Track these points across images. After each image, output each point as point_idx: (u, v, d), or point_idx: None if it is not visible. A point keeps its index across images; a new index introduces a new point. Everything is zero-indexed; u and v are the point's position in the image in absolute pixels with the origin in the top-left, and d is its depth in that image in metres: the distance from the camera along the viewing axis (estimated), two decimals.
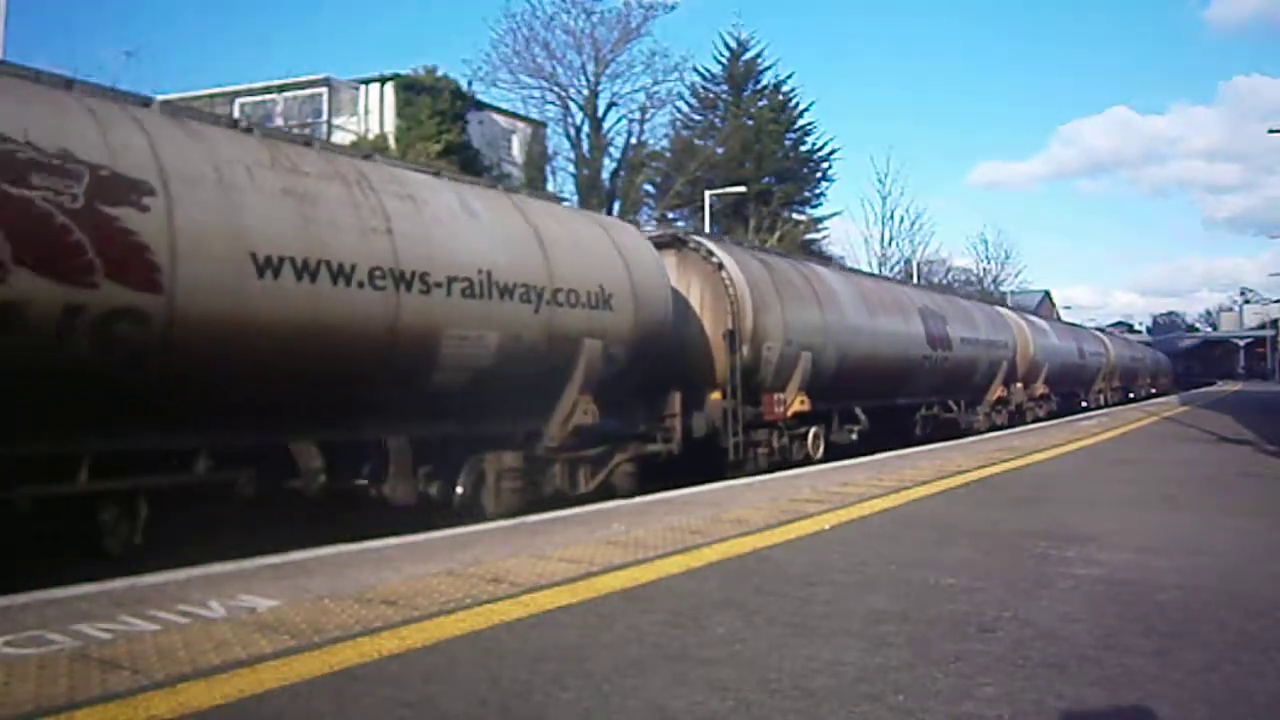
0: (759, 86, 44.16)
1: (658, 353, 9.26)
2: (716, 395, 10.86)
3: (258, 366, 5.85)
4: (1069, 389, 26.26)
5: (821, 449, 12.36)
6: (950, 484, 8.71)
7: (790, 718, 2.78)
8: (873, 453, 12.28)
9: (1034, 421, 21.01)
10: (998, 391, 19.74)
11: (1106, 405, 29.44)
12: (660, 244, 10.70)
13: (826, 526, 6.21)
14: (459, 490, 7.56)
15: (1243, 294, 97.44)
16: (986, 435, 16.58)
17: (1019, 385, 20.96)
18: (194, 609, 3.89)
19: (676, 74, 38.02)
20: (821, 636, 3.60)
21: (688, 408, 10.42)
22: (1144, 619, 3.90)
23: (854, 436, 13.44)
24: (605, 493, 8.57)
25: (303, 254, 5.98)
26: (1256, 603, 4.19)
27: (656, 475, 9.34)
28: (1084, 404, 27.85)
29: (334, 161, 6.79)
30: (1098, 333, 36.24)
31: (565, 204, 11.39)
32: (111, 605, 3.94)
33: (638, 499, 7.86)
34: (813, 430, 12.27)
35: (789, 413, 11.56)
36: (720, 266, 11.11)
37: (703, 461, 10.29)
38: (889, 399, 15.12)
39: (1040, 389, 22.42)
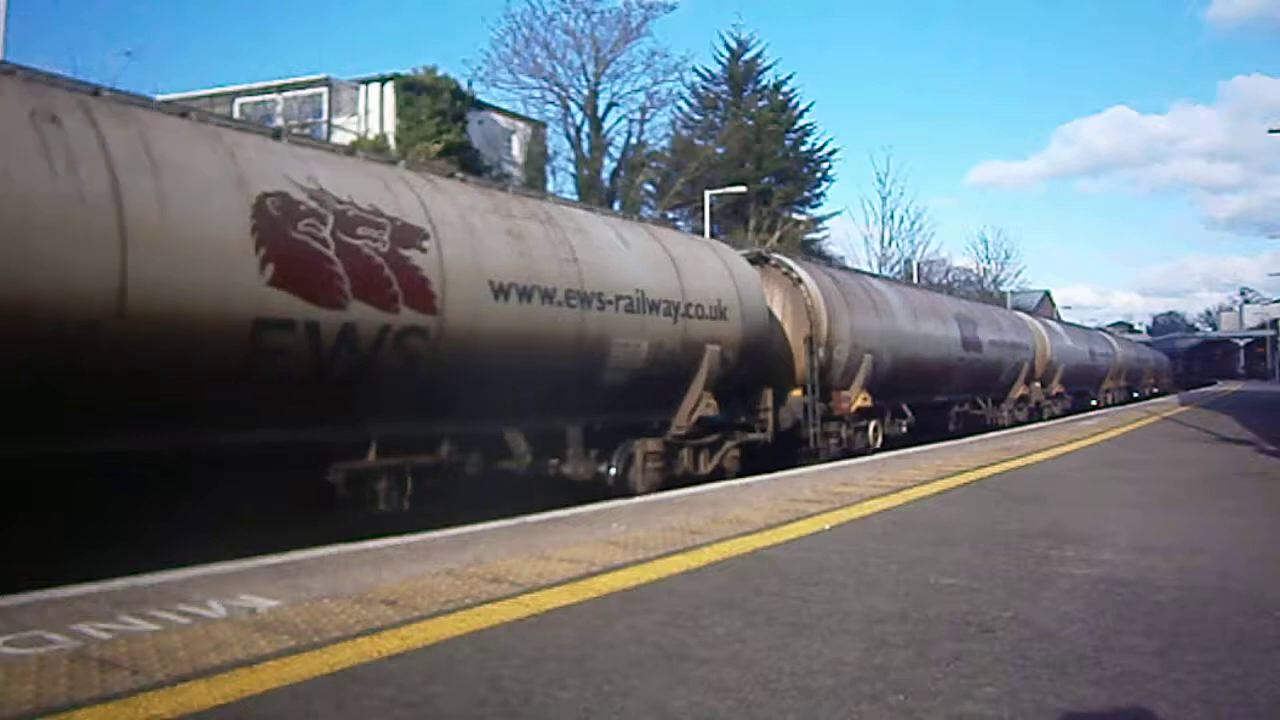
0: (759, 86, 44.20)
1: (757, 356, 10.83)
2: (797, 392, 12.50)
3: (489, 370, 7.32)
4: (1081, 388, 27.80)
5: (880, 440, 14.12)
6: (950, 484, 8.72)
7: (790, 718, 2.78)
8: (918, 444, 14.01)
9: (1050, 418, 22.57)
10: (1020, 390, 21.37)
11: (1114, 403, 31.06)
12: (749, 261, 11.94)
13: (826, 526, 6.22)
14: (613, 470, 9.09)
15: (1243, 294, 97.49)
16: (987, 435, 16.62)
17: (1037, 384, 22.50)
18: (194, 609, 3.89)
19: (676, 74, 38.13)
20: (821, 636, 3.60)
21: (775, 403, 11.74)
22: (1144, 619, 3.90)
23: (904, 429, 14.97)
24: (718, 475, 10.25)
25: (521, 281, 7.58)
26: (1256, 603, 4.19)
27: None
28: (1094, 401, 29.34)
29: (528, 203, 8.45)
30: (1106, 335, 37.99)
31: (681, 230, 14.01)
32: (111, 605, 3.94)
33: (637, 499, 7.87)
34: (873, 423, 14.05)
35: (853, 408, 13.32)
36: (799, 281, 12.86)
37: (784, 450, 11.84)
38: (930, 397, 16.69)
39: (1056, 388, 24.13)
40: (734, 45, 43.93)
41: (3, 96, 4.99)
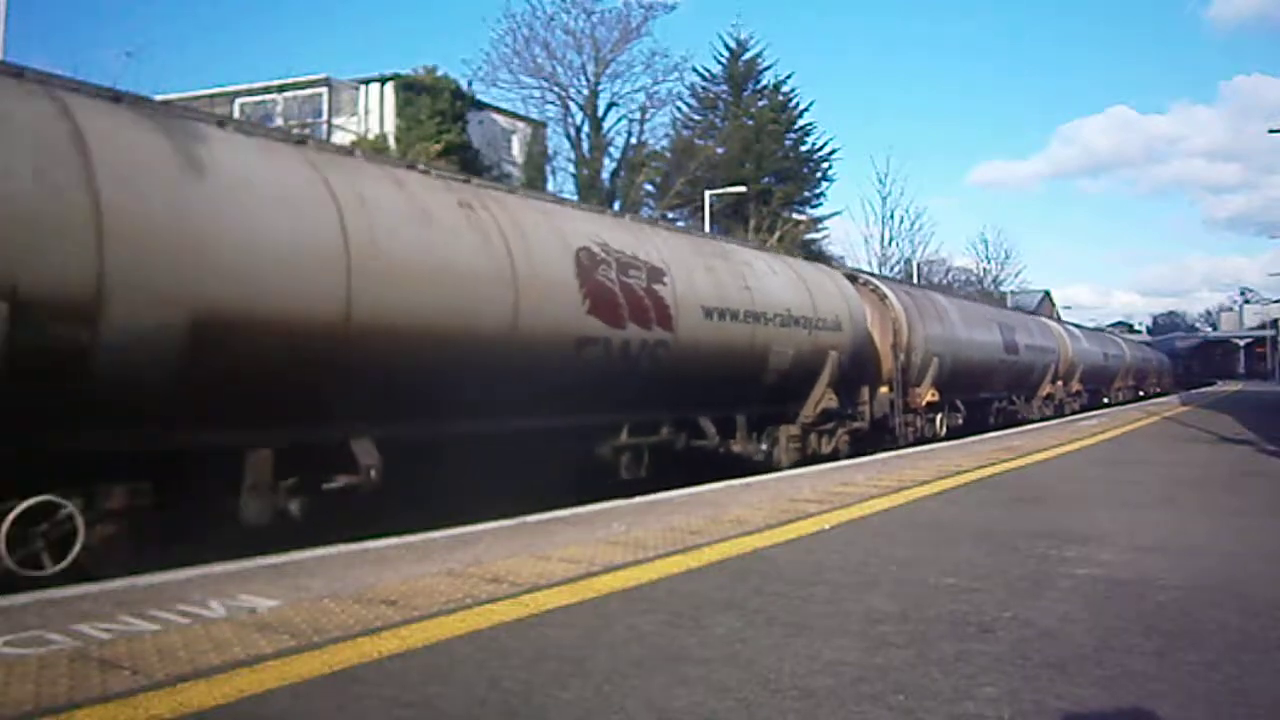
0: (759, 86, 44.15)
1: (859, 359, 13.41)
2: (885, 389, 14.97)
3: (697, 372, 9.75)
4: (1096, 386, 30.73)
5: (945, 429, 16.92)
6: (950, 484, 8.72)
7: (790, 718, 2.78)
8: (969, 435, 16.40)
9: (1071, 413, 25.24)
10: (1046, 389, 24.02)
11: (1124, 401, 33.98)
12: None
13: (827, 526, 6.22)
14: (763, 447, 11.74)
15: (1243, 294, 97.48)
16: (986, 435, 16.68)
17: (1060, 383, 25.23)
18: (194, 609, 3.89)
19: (676, 74, 38.14)
20: (821, 636, 3.60)
21: (870, 397, 14.33)
22: (1144, 619, 3.90)
23: (960, 421, 17.79)
24: (833, 455, 12.64)
25: (718, 304, 10.16)
26: (1256, 603, 4.19)
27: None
28: (1105, 400, 31.96)
29: (712, 244, 11.49)
30: (1116, 338, 41.66)
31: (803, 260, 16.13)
32: (111, 605, 3.94)
33: (637, 499, 7.85)
34: (939, 415, 16.86)
35: (924, 402, 15.81)
36: (884, 297, 15.45)
37: (871, 437, 14.36)
38: (976, 394, 19.05)
39: (1076, 386, 26.94)
40: (734, 45, 43.93)
41: (436, 193, 7.35)
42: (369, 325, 6.19)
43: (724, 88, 44.05)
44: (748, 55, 43.95)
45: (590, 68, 35.78)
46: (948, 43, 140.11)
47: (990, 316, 21.04)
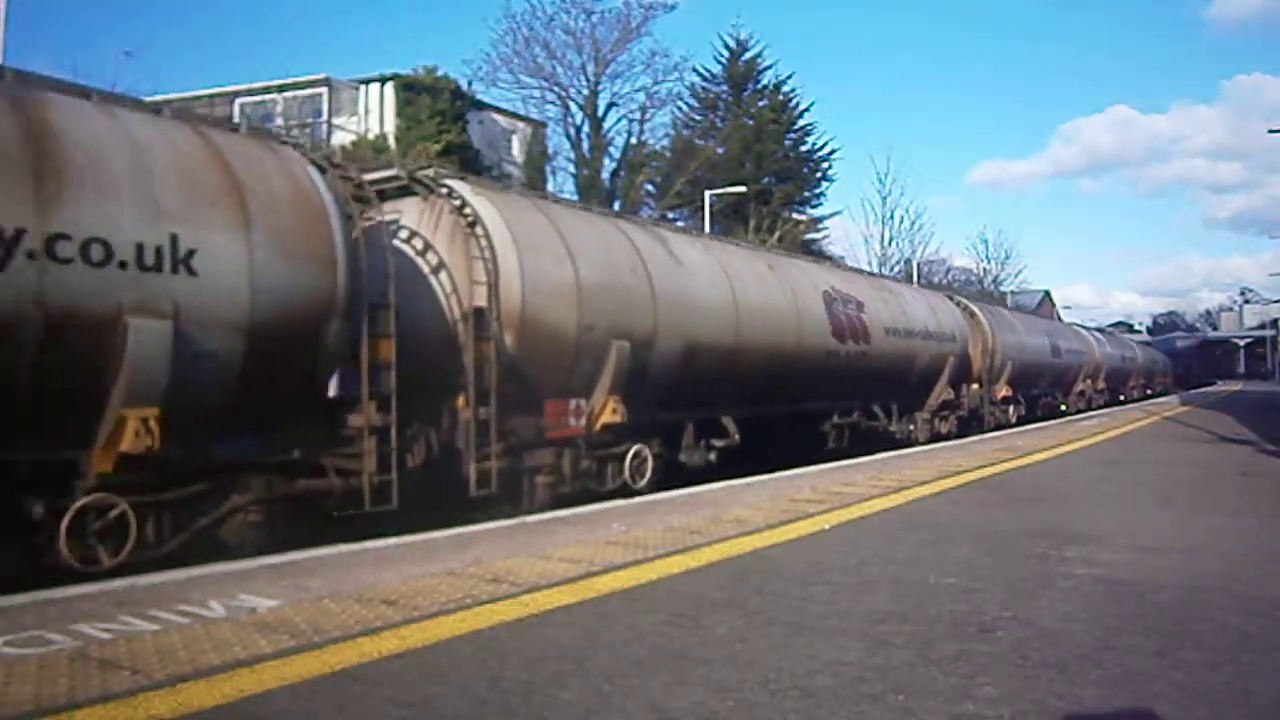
0: (759, 86, 44.12)
1: (963, 363, 17.73)
2: (976, 386, 18.80)
3: (879, 373, 14.22)
4: (1115, 385, 34.33)
5: (1015, 417, 20.81)
6: (950, 484, 8.72)
7: (790, 718, 2.78)
8: (1029, 423, 20.28)
9: (1099, 407, 28.60)
10: (1080, 386, 28.15)
11: (1138, 398, 37.38)
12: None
13: (826, 526, 6.22)
14: (910, 428, 15.89)
15: (1243, 294, 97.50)
16: (987, 435, 16.76)
17: (1089, 382, 29.08)
18: (194, 609, 3.89)
19: (676, 74, 38.09)
20: (822, 636, 3.60)
21: (967, 392, 18.43)
22: (1144, 619, 3.90)
23: (1024, 412, 21.57)
24: (950, 435, 16.73)
25: (890, 324, 14.68)
26: (1256, 603, 4.19)
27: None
28: (1121, 397, 34.79)
29: (875, 279, 16.92)
30: (1131, 342, 46.23)
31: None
32: (111, 605, 3.94)
33: (637, 499, 7.86)
34: (1011, 406, 20.69)
35: (1001, 396, 20.17)
36: (974, 314, 19.72)
37: (966, 422, 18.06)
38: (1030, 390, 22.72)
39: (1101, 384, 30.72)
40: (734, 45, 43.88)
41: (759, 260, 12.38)
42: (743, 346, 10.78)
43: (724, 88, 44.03)
44: (748, 55, 43.94)
45: (590, 68, 35.79)
46: (948, 42, 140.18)
47: (1041, 327, 26.06)
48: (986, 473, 9.75)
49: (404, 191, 8.31)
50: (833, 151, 44.51)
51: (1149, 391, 41.52)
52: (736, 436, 10.72)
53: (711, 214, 32.17)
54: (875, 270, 40.01)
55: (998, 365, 19.90)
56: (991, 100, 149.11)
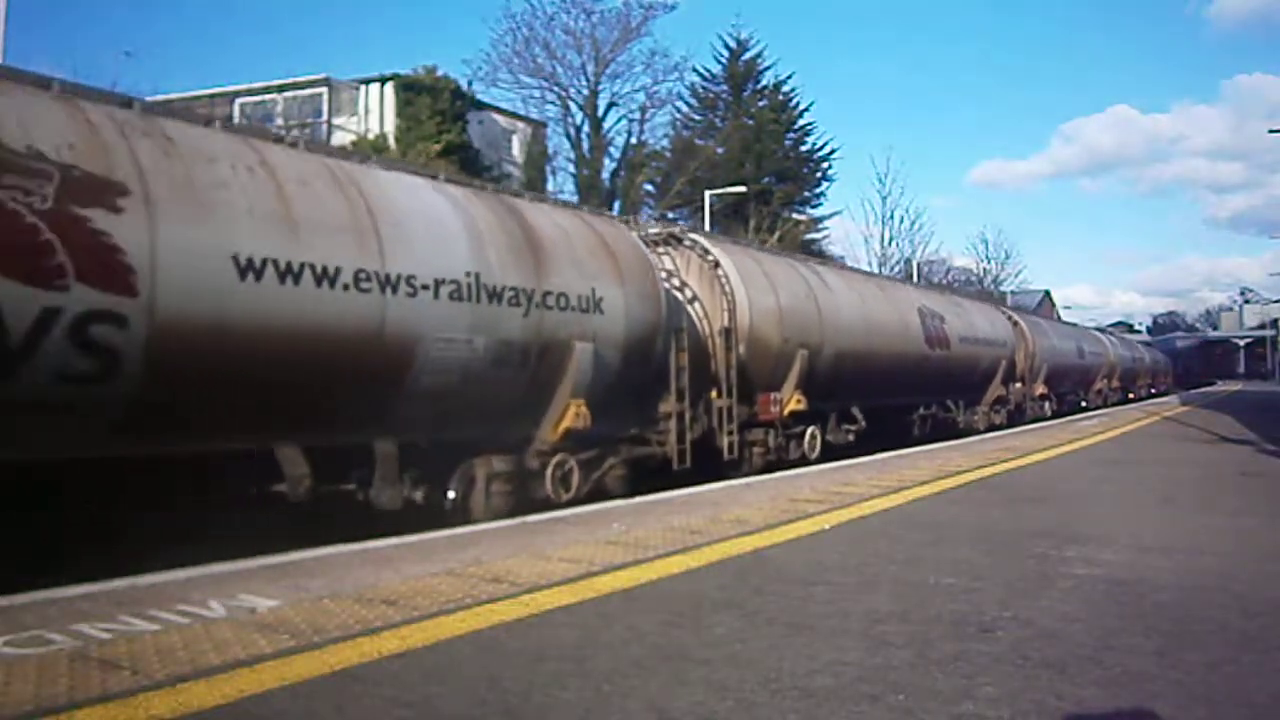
0: (759, 86, 44.18)
1: (1011, 365, 20.91)
2: (1019, 385, 22.00)
3: (953, 374, 17.33)
4: (1126, 383, 37.02)
5: (1051, 412, 23.77)
6: (950, 484, 8.72)
7: (790, 718, 2.78)
8: (1060, 417, 23.15)
9: (1114, 404, 31.88)
10: (1099, 385, 31.39)
11: (1146, 396, 40.27)
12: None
13: (826, 526, 6.22)
14: (973, 419, 18.79)
15: (1243, 294, 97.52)
16: (987, 435, 16.78)
17: (1106, 381, 32.52)
18: (194, 609, 3.89)
19: (676, 74, 38.19)
20: (822, 636, 3.60)
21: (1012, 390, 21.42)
22: (1144, 619, 3.90)
23: (1057, 406, 24.70)
24: (1002, 426, 19.33)
25: (962, 334, 17.88)
26: (1256, 603, 4.19)
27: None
28: (1130, 395, 37.54)
29: (949, 294, 21.57)
30: (1138, 343, 49.03)
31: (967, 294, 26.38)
32: (111, 605, 3.94)
33: (637, 499, 7.86)
34: (1047, 402, 24.03)
35: (1038, 393, 23.16)
36: (1017, 323, 22.72)
37: (1013, 415, 20.93)
38: (1059, 388, 25.67)
39: (1115, 383, 33.84)
40: (734, 45, 43.94)
41: (870, 284, 16.05)
42: (871, 353, 13.80)
43: (724, 88, 44.07)
44: (748, 55, 44.00)
45: (590, 68, 35.84)
46: (948, 41, 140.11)
47: (1068, 333, 29.84)
48: (986, 473, 9.75)
49: (664, 242, 11.64)
50: (833, 151, 44.62)
51: (1153, 390, 43.14)
52: (863, 423, 13.93)
53: (711, 214, 32.19)
54: (875, 270, 40.04)
55: (1036, 367, 23.43)
56: (992, 100, 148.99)
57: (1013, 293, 59.54)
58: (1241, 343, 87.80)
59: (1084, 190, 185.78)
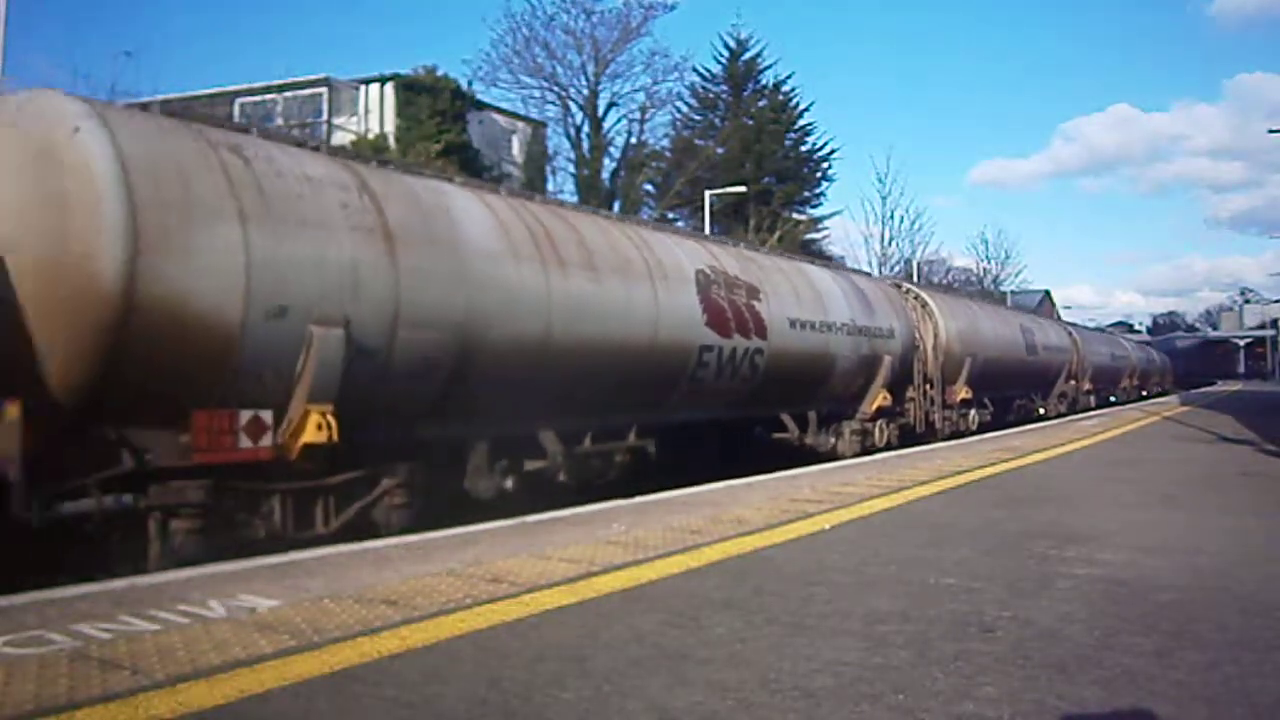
0: (759, 86, 44.12)
1: (1072, 367, 25.94)
2: (1073, 382, 26.53)
3: (1011, 374, 21.00)
4: (1141, 382, 41.01)
5: (1096, 402, 29.15)
6: (950, 484, 8.72)
7: (790, 717, 2.78)
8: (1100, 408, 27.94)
9: (1132, 401, 35.20)
10: (1124, 383, 36.36)
11: (1155, 394, 42.98)
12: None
13: (826, 526, 6.22)
14: (1042, 410, 23.85)
15: (1243, 294, 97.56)
16: (987, 435, 16.74)
17: (1128, 379, 37.36)
18: (194, 609, 3.89)
19: (676, 74, 38.15)
20: (822, 636, 3.60)
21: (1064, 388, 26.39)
22: (1144, 619, 3.90)
23: (1097, 399, 29.63)
24: (1059, 414, 23.57)
25: (1021, 345, 22.83)
26: (1256, 603, 4.19)
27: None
28: (1144, 392, 40.80)
29: (1011, 309, 29.47)
30: (1147, 345, 53.25)
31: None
32: (111, 605, 3.94)
33: (637, 499, 7.85)
34: (1092, 396, 28.87)
35: (1086, 389, 27.93)
36: (1072, 334, 27.41)
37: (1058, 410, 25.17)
38: (1097, 385, 30.02)
39: (1136, 381, 38.50)
40: (733, 45, 43.87)
41: (965, 302, 21.35)
42: (1000, 358, 19.50)
43: (724, 88, 44.02)
44: (748, 55, 43.93)
45: (590, 68, 35.82)
46: (949, 40, 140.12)
47: (1103, 340, 35.63)
48: (986, 473, 9.75)
49: (894, 288, 16.85)
50: (833, 151, 44.53)
51: (1144, 393, 41.24)
52: (991, 408, 19.03)
53: (711, 214, 32.17)
54: (876, 271, 40.03)
55: (1085, 368, 26.63)
56: (992, 99, 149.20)
57: (1013, 293, 59.49)
58: (1241, 343, 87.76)
59: (1084, 190, 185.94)
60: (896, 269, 46.37)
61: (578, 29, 35.34)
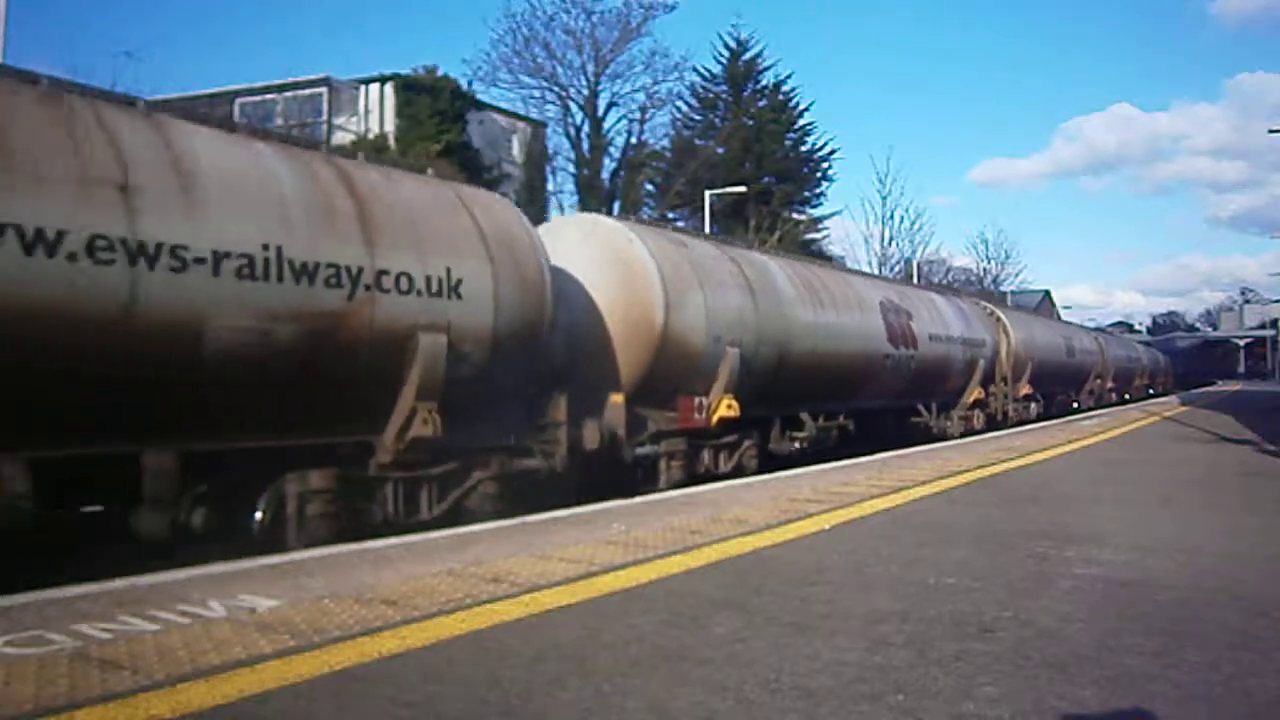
0: (759, 86, 44.11)
1: (1116, 372, 33.18)
2: (1098, 381, 28.87)
3: (1051, 373, 24.35)
4: (1149, 381, 42.82)
5: (1116, 397, 32.02)
6: (950, 484, 8.71)
7: (790, 717, 2.78)
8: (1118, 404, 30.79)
9: (1143, 398, 37.97)
10: (1138, 381, 39.17)
11: (1165, 393, 45.33)
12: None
13: (826, 526, 6.22)
14: (1076, 397, 28.32)
15: (1243, 294, 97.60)
16: (986, 435, 16.74)
17: (1140, 378, 40.20)
18: (194, 609, 3.89)
19: (676, 74, 38.16)
20: (821, 636, 3.60)
21: (1092, 386, 29.25)
22: (1144, 619, 3.90)
23: (1116, 395, 32.43)
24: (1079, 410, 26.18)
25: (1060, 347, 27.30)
26: (1256, 603, 4.19)
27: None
28: (1151, 390, 42.54)
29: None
30: (1151, 347, 54.84)
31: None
32: (111, 605, 3.94)
33: (637, 499, 7.86)
34: (1113, 394, 31.07)
35: (1109, 386, 30.53)
36: (1097, 338, 31.77)
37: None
38: (1119, 383, 33.94)
39: (1146, 380, 41.19)
40: (734, 45, 43.87)
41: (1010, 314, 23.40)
42: (1050, 360, 24.34)
43: (724, 88, 44.01)
44: (748, 55, 43.93)
45: (590, 68, 35.84)
46: (949, 40, 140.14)
47: (1123, 343, 39.58)
48: (986, 473, 9.75)
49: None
50: (833, 151, 44.53)
51: (1151, 391, 43.39)
52: (1042, 402, 22.59)
53: (711, 214, 32.16)
54: (876, 271, 40.05)
55: (1113, 369, 28.92)
56: (993, 99, 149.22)
57: (1013, 293, 59.49)
58: (1241, 343, 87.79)
59: (1085, 189, 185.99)
60: (896, 269, 46.38)
61: (578, 29, 35.38)
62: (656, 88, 37.43)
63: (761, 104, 43.31)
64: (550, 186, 34.70)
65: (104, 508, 5.78)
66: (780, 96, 43.65)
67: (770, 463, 11.09)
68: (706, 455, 10.51)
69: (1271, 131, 30.11)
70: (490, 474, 7.62)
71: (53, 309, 4.83)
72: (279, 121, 27.68)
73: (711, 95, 43.91)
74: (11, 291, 4.68)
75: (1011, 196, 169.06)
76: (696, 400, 10.23)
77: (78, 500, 5.68)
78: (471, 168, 26.97)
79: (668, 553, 5.21)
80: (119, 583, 4.37)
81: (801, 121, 43.79)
